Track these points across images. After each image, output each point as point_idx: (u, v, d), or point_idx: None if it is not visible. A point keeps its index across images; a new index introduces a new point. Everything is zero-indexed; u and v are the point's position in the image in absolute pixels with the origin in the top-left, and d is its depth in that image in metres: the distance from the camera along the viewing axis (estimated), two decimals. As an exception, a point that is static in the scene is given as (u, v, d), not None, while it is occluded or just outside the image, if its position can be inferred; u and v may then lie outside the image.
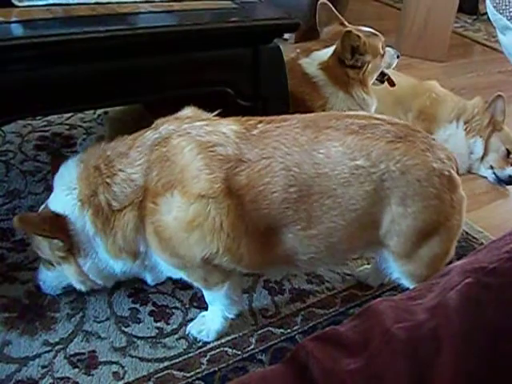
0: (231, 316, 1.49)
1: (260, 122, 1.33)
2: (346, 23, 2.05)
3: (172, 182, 1.24)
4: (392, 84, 2.16)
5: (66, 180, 1.34)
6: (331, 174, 1.26)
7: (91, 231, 1.31)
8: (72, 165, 1.35)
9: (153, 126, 1.35)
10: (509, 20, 1.68)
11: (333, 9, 2.04)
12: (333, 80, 1.94)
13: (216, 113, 1.40)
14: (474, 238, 1.97)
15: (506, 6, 1.66)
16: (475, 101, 2.44)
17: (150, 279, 1.47)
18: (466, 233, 1.98)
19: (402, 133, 1.32)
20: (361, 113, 1.47)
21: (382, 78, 2.11)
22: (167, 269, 1.39)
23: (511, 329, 0.80)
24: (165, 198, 1.24)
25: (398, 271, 1.45)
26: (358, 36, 1.86)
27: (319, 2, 2.05)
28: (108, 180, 1.28)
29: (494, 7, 1.71)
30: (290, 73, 1.83)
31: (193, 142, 1.26)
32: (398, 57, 2.10)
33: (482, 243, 1.92)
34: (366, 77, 1.97)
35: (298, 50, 2.03)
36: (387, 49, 2.05)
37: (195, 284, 1.43)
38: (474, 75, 3.39)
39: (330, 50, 1.94)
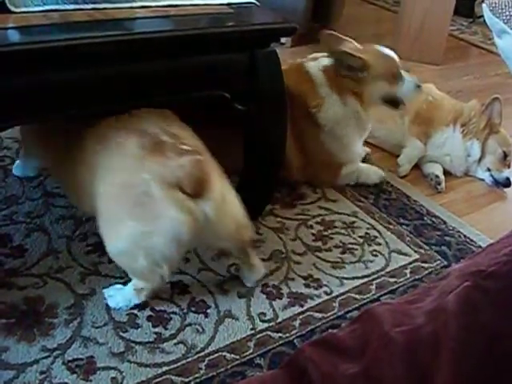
0: None
1: None
2: (355, 43, 2.09)
3: None
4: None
5: None
6: None
7: None
8: None
9: None
10: (505, 23, 1.69)
11: (340, 36, 2.08)
12: (330, 82, 2.04)
13: None
14: (472, 240, 1.97)
15: (502, 9, 1.66)
16: (472, 103, 2.44)
17: None
18: (464, 236, 1.98)
19: None
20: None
21: (397, 105, 2.11)
22: None
23: (507, 331, 0.81)
24: None
25: None
26: (352, 55, 1.96)
27: (325, 33, 2.09)
28: None
29: (491, 11, 1.72)
30: (293, 73, 2.00)
31: None
32: (418, 86, 2.08)
33: (479, 246, 1.92)
34: (364, 93, 2.03)
35: (309, 57, 2.16)
36: (406, 79, 2.05)
37: None
38: (471, 78, 3.39)
39: None
